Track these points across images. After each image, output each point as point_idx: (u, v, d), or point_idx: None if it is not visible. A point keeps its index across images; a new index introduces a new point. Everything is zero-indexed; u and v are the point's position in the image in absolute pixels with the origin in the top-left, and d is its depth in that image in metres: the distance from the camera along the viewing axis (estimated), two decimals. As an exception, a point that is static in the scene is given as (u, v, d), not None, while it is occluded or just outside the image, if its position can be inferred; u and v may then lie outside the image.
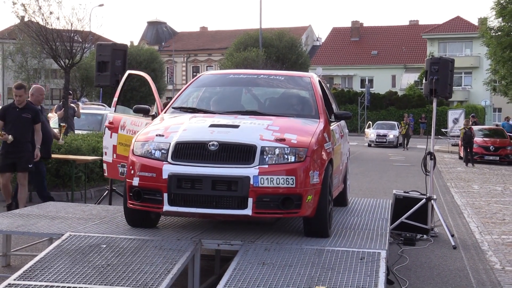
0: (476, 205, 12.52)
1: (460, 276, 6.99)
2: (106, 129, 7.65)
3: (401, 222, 8.77)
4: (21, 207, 8.35)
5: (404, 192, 9.32)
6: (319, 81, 7.28)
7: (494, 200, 13.25)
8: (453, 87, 9.69)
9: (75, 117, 14.64)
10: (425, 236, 8.83)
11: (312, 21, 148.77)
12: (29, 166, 8.95)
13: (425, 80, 9.18)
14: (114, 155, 7.51)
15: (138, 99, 39.13)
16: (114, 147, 7.49)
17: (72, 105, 14.58)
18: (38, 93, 9.40)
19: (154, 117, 6.86)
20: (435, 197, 9.14)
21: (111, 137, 7.55)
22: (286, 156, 5.49)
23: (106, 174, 7.86)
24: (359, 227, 6.52)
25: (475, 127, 26.91)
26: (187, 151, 5.52)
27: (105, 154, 7.69)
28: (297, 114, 6.51)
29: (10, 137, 8.70)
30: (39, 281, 4.70)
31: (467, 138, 23.13)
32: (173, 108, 6.74)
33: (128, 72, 8.06)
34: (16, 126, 8.79)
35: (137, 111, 6.93)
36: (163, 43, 73.18)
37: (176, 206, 5.46)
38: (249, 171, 5.35)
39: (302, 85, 7.11)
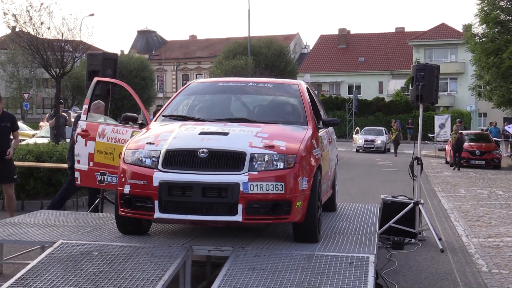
0: (462, 208, 12.65)
1: (447, 279, 7.09)
2: (79, 137, 7.56)
3: (389, 227, 8.87)
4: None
5: (392, 197, 9.41)
6: (307, 88, 7.38)
7: (480, 204, 13.39)
8: (439, 93, 9.82)
9: (66, 126, 14.68)
10: (413, 240, 8.92)
11: (299, 29, 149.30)
12: (15, 177, 8.86)
13: (412, 86, 9.29)
14: (91, 163, 7.45)
15: (129, 107, 39.09)
16: (91, 155, 7.43)
17: (63, 114, 14.60)
18: (103, 108, 9.27)
19: (142, 125, 6.90)
20: (422, 201, 9.24)
21: (86, 145, 7.46)
22: (275, 163, 5.56)
23: (78, 182, 7.77)
24: (348, 232, 6.60)
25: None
26: (177, 158, 5.59)
27: (78, 162, 7.59)
28: (285, 121, 6.58)
29: None
30: (32, 288, 4.75)
31: (459, 143, 23.57)
32: (163, 116, 6.81)
33: (96, 79, 8.00)
34: None
35: (125, 119, 6.98)
36: (153, 52, 73.19)
37: (167, 213, 5.52)
38: (239, 177, 5.42)
39: (290, 92, 7.19)
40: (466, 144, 24.90)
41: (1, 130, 8.59)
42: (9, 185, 8.88)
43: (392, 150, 33.38)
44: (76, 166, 7.59)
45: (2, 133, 8.62)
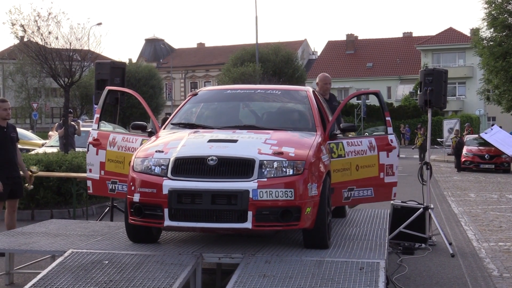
0: (473, 213, 12.59)
1: (458, 284, 7.06)
2: (91, 146, 7.57)
3: (400, 232, 8.84)
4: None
5: (402, 202, 9.38)
6: (315, 95, 7.39)
7: (490, 208, 13.33)
8: (448, 97, 9.82)
9: (75, 135, 14.76)
10: (423, 245, 8.89)
11: (307, 35, 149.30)
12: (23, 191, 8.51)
13: (420, 91, 9.29)
14: (102, 171, 7.47)
15: (138, 116, 39.21)
16: (102, 163, 7.44)
17: (72, 123, 14.68)
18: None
19: (151, 133, 6.93)
20: (432, 206, 9.21)
21: (97, 154, 7.47)
22: (284, 169, 5.57)
23: (90, 191, 7.79)
24: (358, 237, 6.59)
25: (470, 136, 27.31)
26: (186, 166, 5.60)
27: (90, 171, 7.55)
28: (294, 128, 6.59)
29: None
30: (43, 298, 4.78)
31: (460, 146, 24.53)
32: (172, 124, 6.84)
33: (107, 88, 8.01)
34: (8, 148, 8.10)
35: (135, 128, 7.00)
36: (161, 60, 73.47)
37: (177, 221, 5.53)
38: (248, 184, 5.43)
39: (298, 99, 7.20)
40: (475, 148, 24.94)
41: (11, 141, 8.28)
42: (17, 200, 8.44)
43: (402, 156, 33.04)
44: (88, 175, 7.62)
45: (13, 143, 8.32)
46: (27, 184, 8.57)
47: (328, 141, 6.60)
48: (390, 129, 7.10)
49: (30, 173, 8.55)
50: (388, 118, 7.16)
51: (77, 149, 14.28)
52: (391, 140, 7.07)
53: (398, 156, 7.37)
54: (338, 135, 6.76)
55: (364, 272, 5.15)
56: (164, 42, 77.71)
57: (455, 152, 25.00)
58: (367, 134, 7.63)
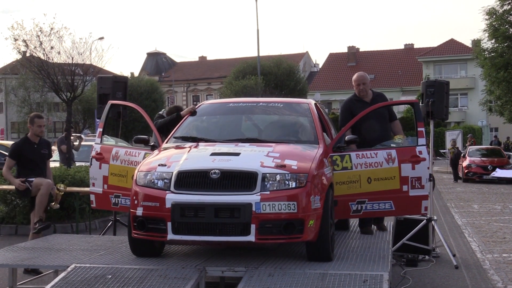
0: (476, 224, 12.56)
1: (463, 296, 7.03)
2: (94, 160, 7.60)
3: (403, 244, 8.81)
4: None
5: (405, 213, 9.34)
6: (317, 107, 7.39)
7: (494, 219, 13.29)
8: (450, 108, 9.83)
9: (74, 150, 14.75)
10: (427, 257, 8.86)
11: (309, 48, 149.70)
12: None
13: (422, 103, 9.30)
14: (105, 185, 7.49)
15: (140, 130, 39.23)
16: (105, 177, 7.46)
17: (72, 137, 14.68)
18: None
19: (153, 147, 6.94)
20: (435, 217, 9.19)
21: (100, 168, 7.50)
22: (287, 182, 5.57)
23: (94, 205, 7.78)
24: (361, 250, 6.56)
25: (473, 147, 27.34)
26: (189, 179, 5.61)
27: (93, 185, 7.59)
28: (296, 140, 6.60)
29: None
30: (47, 312, 4.76)
31: (457, 157, 25.19)
32: (174, 137, 6.86)
33: (110, 102, 8.04)
34: (37, 164, 8.20)
35: (137, 141, 7.01)
36: (163, 74, 73.72)
37: (180, 235, 5.53)
38: (251, 197, 5.43)
39: (300, 112, 7.22)
40: (478, 159, 24.95)
41: (41, 157, 8.27)
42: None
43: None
44: (91, 189, 7.63)
45: (43, 160, 8.33)
46: (53, 203, 8.48)
47: (332, 154, 6.59)
48: (421, 140, 6.74)
49: (57, 191, 8.49)
50: (421, 129, 6.79)
51: (77, 164, 14.26)
52: (420, 152, 6.69)
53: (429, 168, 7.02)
54: (346, 147, 6.72)
55: (368, 285, 5.13)
56: (166, 56, 78.04)
57: (453, 163, 25.37)
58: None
